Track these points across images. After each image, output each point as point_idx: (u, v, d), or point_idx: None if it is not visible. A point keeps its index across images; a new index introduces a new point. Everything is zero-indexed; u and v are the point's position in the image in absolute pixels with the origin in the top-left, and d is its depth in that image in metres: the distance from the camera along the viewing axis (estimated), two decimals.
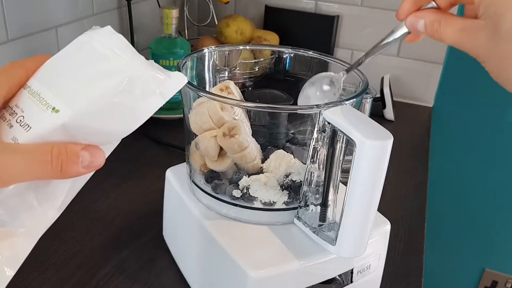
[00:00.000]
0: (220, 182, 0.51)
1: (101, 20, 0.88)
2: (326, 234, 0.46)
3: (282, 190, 0.49)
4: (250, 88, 0.62)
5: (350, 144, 0.41)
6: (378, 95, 1.06)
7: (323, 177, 0.46)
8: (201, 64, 0.57)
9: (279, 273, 0.45)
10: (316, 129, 0.45)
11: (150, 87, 0.31)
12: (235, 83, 0.54)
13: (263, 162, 0.51)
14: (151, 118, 0.32)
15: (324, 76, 0.48)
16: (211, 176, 0.51)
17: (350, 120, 0.42)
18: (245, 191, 0.49)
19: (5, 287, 0.33)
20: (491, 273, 1.38)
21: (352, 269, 0.50)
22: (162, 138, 0.89)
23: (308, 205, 0.48)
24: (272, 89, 0.56)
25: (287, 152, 0.52)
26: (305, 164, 0.47)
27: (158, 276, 0.58)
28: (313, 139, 0.45)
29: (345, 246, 0.44)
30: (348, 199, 0.42)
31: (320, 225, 0.47)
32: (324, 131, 0.44)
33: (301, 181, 0.49)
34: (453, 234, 1.35)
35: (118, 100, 0.30)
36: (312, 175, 0.47)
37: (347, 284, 0.50)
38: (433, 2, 0.39)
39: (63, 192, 0.35)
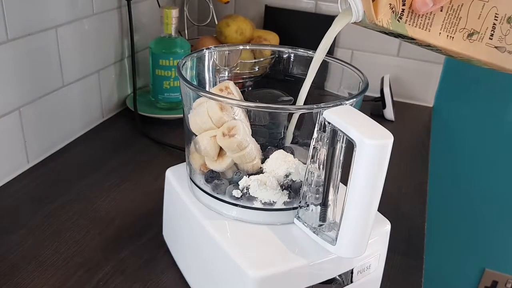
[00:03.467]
0: (220, 182, 0.51)
1: (101, 20, 0.88)
2: (326, 234, 0.46)
3: (282, 190, 0.49)
4: (250, 88, 0.62)
5: (350, 144, 0.41)
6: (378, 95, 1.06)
7: (323, 177, 0.46)
8: (201, 64, 0.57)
9: (279, 273, 0.45)
10: (316, 129, 0.45)
11: None
12: (235, 83, 0.54)
13: (263, 162, 0.51)
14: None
15: None
16: (211, 176, 0.51)
17: (350, 120, 0.42)
18: (245, 191, 0.49)
19: None
20: (491, 273, 1.38)
21: (352, 269, 0.50)
22: (162, 138, 0.89)
23: (308, 205, 0.48)
24: (272, 89, 0.56)
25: (287, 152, 0.52)
26: (305, 164, 0.47)
27: (158, 276, 0.58)
28: (313, 139, 0.45)
29: (345, 246, 0.44)
30: (348, 199, 0.42)
31: (320, 225, 0.47)
32: (324, 131, 0.44)
33: (301, 181, 0.49)
34: (453, 234, 1.35)
35: None
36: (312, 175, 0.47)
37: (347, 284, 0.50)
38: None
39: None
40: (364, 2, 0.40)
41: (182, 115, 0.54)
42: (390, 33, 0.43)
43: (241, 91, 0.54)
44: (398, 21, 0.40)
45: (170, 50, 0.93)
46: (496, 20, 0.43)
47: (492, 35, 0.43)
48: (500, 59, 0.45)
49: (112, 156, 0.84)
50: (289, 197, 0.49)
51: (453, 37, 0.42)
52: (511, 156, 1.21)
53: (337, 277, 0.49)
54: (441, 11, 0.41)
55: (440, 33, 0.42)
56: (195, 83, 0.57)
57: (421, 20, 0.41)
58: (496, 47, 0.44)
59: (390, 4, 0.40)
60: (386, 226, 0.53)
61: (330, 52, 1.16)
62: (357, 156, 0.40)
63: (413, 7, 0.40)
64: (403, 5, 0.40)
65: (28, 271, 0.57)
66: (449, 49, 0.43)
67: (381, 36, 0.49)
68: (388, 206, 0.55)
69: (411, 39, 0.43)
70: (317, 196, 0.47)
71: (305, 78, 0.52)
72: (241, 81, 0.63)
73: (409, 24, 0.41)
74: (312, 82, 0.53)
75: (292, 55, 0.60)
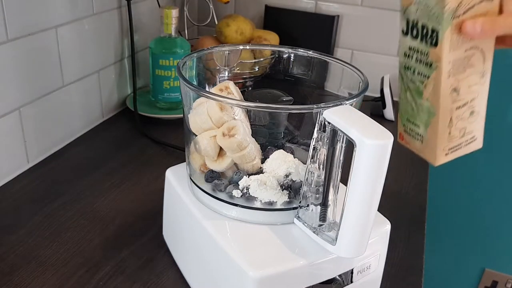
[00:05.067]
0: (220, 182, 0.51)
1: (101, 20, 0.88)
2: (326, 234, 0.46)
3: (282, 190, 0.49)
4: (250, 88, 0.62)
5: (350, 144, 0.41)
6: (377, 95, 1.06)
7: (323, 177, 0.46)
8: (201, 64, 0.57)
9: (279, 273, 0.45)
10: (316, 128, 0.45)
11: None
12: (235, 83, 0.54)
13: (263, 162, 0.51)
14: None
15: None
16: (211, 176, 0.51)
17: (350, 120, 0.42)
18: (245, 191, 0.49)
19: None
20: (491, 273, 1.38)
21: (352, 269, 0.50)
22: (162, 138, 0.89)
23: (308, 205, 0.48)
24: (272, 89, 0.56)
25: (287, 152, 0.52)
26: (305, 164, 0.47)
27: (158, 276, 0.58)
28: (313, 138, 0.45)
29: (345, 246, 0.44)
30: (348, 199, 0.42)
31: (320, 225, 0.47)
32: (324, 131, 0.44)
33: (301, 181, 0.49)
34: (453, 234, 1.35)
35: None
36: (312, 175, 0.47)
37: (347, 284, 0.50)
38: None
39: None
40: None
41: (182, 115, 0.54)
42: (416, 20, 0.45)
43: (241, 91, 0.54)
44: (453, 17, 0.42)
45: (170, 50, 0.93)
46: (470, 103, 0.47)
47: (459, 107, 0.47)
48: (440, 129, 0.47)
49: (112, 156, 0.84)
50: (289, 197, 0.49)
51: (449, 76, 0.45)
52: (510, 156, 1.21)
53: (337, 277, 0.49)
54: (465, 51, 0.44)
55: (450, 61, 0.44)
56: (195, 83, 0.57)
57: (457, 38, 0.44)
58: (450, 119, 0.47)
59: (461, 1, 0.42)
60: (386, 226, 0.53)
61: (330, 52, 1.16)
62: (357, 156, 0.40)
63: (464, 25, 0.43)
64: (464, 13, 0.42)
65: (28, 271, 0.57)
66: (442, 68, 0.44)
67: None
68: (388, 206, 0.55)
69: (430, 39, 0.44)
70: (317, 196, 0.47)
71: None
72: (241, 81, 0.63)
73: (451, 30, 0.43)
74: (312, 83, 0.53)
75: (292, 55, 0.60)
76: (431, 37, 0.44)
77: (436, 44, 0.44)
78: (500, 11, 0.44)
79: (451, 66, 0.44)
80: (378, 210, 0.44)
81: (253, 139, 0.50)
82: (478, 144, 0.50)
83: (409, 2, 0.45)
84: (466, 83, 0.46)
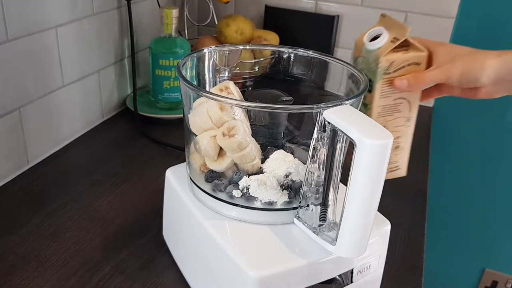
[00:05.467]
0: (220, 182, 0.51)
1: (101, 20, 0.88)
2: (326, 234, 0.46)
3: (282, 190, 0.49)
4: (250, 88, 0.62)
5: (350, 144, 0.41)
6: None
7: (323, 177, 0.46)
8: (201, 64, 0.57)
9: (279, 273, 0.45)
10: (316, 128, 0.45)
11: None
12: (235, 83, 0.54)
13: (263, 162, 0.51)
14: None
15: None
16: (211, 176, 0.51)
17: (350, 120, 0.42)
18: (245, 191, 0.49)
19: None
20: (491, 273, 1.38)
21: (352, 269, 0.50)
22: (162, 138, 0.89)
23: (308, 205, 0.48)
24: (272, 89, 0.56)
25: (287, 152, 0.52)
26: (305, 164, 0.47)
27: (158, 276, 0.58)
28: (313, 138, 0.45)
29: (345, 246, 0.44)
30: (348, 199, 0.42)
31: (320, 225, 0.47)
32: (324, 131, 0.44)
33: (301, 181, 0.49)
34: (453, 234, 1.35)
35: None
36: (312, 175, 0.47)
37: (347, 284, 0.50)
38: None
39: None
40: (387, 45, 0.51)
41: (182, 115, 0.54)
42: (361, 69, 0.54)
43: (241, 91, 0.54)
44: (384, 73, 0.52)
45: (170, 50, 0.93)
46: (396, 139, 0.55)
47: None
48: None
49: (112, 156, 0.84)
50: (289, 197, 0.49)
51: (379, 112, 0.54)
52: (510, 156, 1.21)
53: (337, 277, 0.49)
54: (393, 100, 0.54)
55: (380, 106, 0.54)
56: (195, 83, 0.57)
57: (388, 89, 0.53)
58: None
59: (393, 61, 0.51)
60: (386, 226, 0.53)
61: (330, 52, 1.16)
62: (357, 156, 0.40)
63: (394, 81, 0.52)
64: (395, 71, 0.52)
65: (28, 271, 0.57)
66: (373, 109, 0.54)
67: None
68: (388, 206, 0.55)
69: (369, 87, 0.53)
70: (317, 196, 0.47)
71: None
72: (241, 81, 0.63)
73: (382, 83, 0.52)
74: (312, 83, 0.53)
75: (292, 55, 0.60)
76: (369, 85, 0.52)
77: (371, 91, 0.53)
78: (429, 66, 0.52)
79: (381, 110, 0.54)
80: (378, 210, 0.44)
81: (253, 139, 0.50)
82: (401, 172, 0.59)
83: (358, 55, 0.54)
84: (393, 124, 0.55)
